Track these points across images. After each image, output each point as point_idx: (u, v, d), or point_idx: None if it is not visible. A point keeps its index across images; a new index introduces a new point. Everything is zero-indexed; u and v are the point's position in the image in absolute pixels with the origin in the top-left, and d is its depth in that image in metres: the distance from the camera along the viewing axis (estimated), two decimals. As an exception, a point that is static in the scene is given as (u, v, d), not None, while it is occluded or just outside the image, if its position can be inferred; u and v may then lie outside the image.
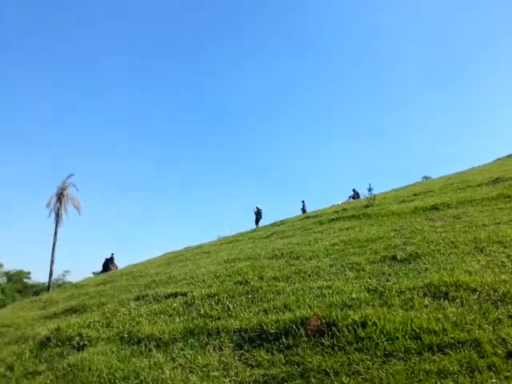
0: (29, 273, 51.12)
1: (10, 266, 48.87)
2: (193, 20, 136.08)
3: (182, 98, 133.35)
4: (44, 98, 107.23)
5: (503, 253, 5.05)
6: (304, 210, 24.57)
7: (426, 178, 32.26)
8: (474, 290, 3.99)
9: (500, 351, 2.96)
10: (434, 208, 9.60)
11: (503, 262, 4.73)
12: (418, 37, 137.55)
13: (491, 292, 3.88)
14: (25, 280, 50.64)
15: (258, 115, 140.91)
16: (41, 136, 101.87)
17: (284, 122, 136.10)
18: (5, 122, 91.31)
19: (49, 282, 43.54)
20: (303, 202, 25.91)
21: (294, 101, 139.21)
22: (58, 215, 44.81)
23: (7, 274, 47.93)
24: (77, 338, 5.58)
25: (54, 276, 46.09)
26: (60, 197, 45.56)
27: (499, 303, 3.64)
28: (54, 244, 44.32)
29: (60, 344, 5.64)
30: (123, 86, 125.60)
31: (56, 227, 44.64)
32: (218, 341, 4.31)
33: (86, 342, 5.39)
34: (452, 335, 3.24)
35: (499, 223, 6.70)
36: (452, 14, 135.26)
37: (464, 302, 3.81)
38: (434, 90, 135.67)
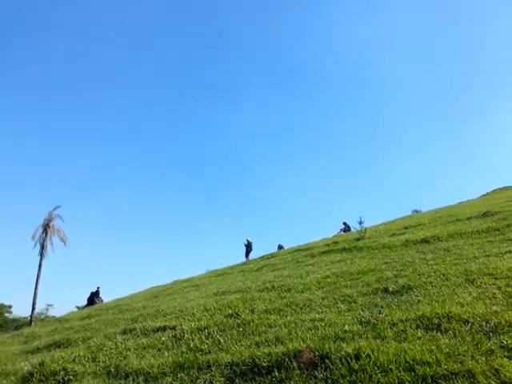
0: (10, 306, 49.56)
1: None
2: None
3: (163, 136, 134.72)
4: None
5: (494, 284, 5.08)
6: (281, 247, 23.87)
7: (415, 211, 32.64)
8: (466, 322, 3.99)
9: (493, 382, 2.95)
10: (425, 241, 9.68)
11: (494, 293, 4.76)
12: (409, 76, 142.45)
13: (483, 323, 3.88)
14: (6, 314, 48.96)
15: (250, 154, 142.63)
16: (26, 169, 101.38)
17: (276, 160, 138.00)
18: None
19: (31, 316, 42.11)
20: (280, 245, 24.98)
21: (283, 142, 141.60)
22: (43, 247, 43.91)
23: (-13, 307, 46.40)
24: (62, 373, 5.39)
25: (37, 310, 44.74)
26: (46, 228, 44.84)
27: (491, 334, 3.64)
28: (37, 276, 43.19)
29: (44, 379, 5.44)
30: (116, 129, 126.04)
31: (41, 259, 43.67)
32: (208, 375, 4.19)
33: (72, 377, 5.21)
34: (445, 366, 3.21)
35: (489, 255, 6.77)
36: (440, 58, 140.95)
37: (456, 333, 3.80)
38: (425, 128, 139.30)
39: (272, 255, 17.63)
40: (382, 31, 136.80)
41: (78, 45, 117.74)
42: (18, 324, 43.03)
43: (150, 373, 4.61)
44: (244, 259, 23.39)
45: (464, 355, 3.33)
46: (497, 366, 3.08)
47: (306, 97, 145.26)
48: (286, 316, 5.64)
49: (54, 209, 46.01)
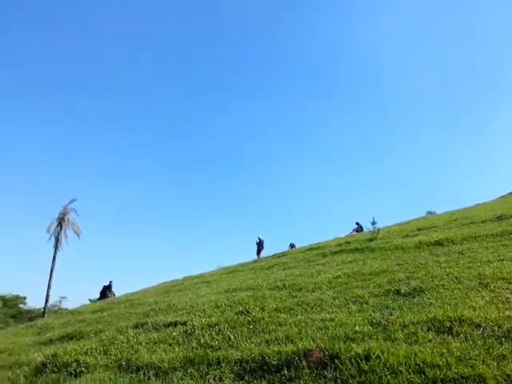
0: (25, 298, 50.50)
1: (6, 290, 48.33)
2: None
3: (180, 135, 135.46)
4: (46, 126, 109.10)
5: (507, 289, 5.02)
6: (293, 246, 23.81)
7: (430, 213, 32.23)
8: (478, 326, 3.96)
9: (505, 387, 2.92)
10: (439, 243, 9.57)
11: (507, 298, 4.70)
12: (424, 76, 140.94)
13: (495, 328, 3.84)
14: (20, 305, 49.88)
15: (261, 154, 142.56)
16: (42, 160, 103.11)
17: (289, 158, 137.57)
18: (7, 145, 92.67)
19: (44, 307, 42.91)
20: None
21: (299, 140, 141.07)
22: (57, 240, 44.70)
23: (2, 298, 47.25)
24: (74, 365, 5.49)
25: (50, 302, 45.58)
26: (61, 221, 45.60)
27: (503, 339, 3.61)
28: (52, 269, 44.01)
29: (56, 370, 5.55)
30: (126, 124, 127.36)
31: (55, 252, 44.48)
32: (218, 371, 4.23)
33: (84, 369, 5.30)
34: (456, 370, 3.19)
35: (503, 260, 6.68)
36: (452, 61, 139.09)
37: (468, 337, 3.77)
38: (441, 129, 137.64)
39: (283, 254, 17.61)
40: (394, 32, 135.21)
41: (78, 45, 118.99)
42: (32, 315, 43.81)
43: (160, 367, 4.67)
44: (255, 257, 23.44)
45: (475, 359, 3.31)
46: (508, 372, 3.05)
47: (320, 94, 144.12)
48: (297, 315, 5.65)
49: (70, 202, 46.82)
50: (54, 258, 44.39)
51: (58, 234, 45.05)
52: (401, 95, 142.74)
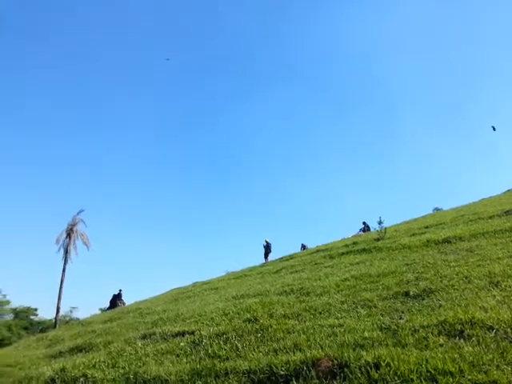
0: (36, 309, 50.67)
1: (17, 302, 48.59)
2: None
3: (187, 137, 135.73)
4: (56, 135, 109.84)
5: (519, 288, 4.90)
6: (304, 247, 23.81)
7: (437, 209, 32.00)
8: (491, 328, 3.85)
9: (521, 394, 2.82)
10: (447, 241, 9.44)
11: (520, 297, 4.58)
12: (426, 74, 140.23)
13: (508, 330, 3.73)
14: (31, 317, 50.10)
15: (266, 152, 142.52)
16: (51, 172, 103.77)
17: (294, 158, 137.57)
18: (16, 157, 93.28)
19: (55, 318, 43.02)
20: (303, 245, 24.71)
21: (305, 139, 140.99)
22: (66, 251, 44.81)
23: (14, 310, 47.50)
24: (82, 379, 5.45)
25: (61, 313, 45.64)
26: (70, 232, 45.73)
27: (517, 342, 3.50)
28: (61, 280, 44.11)
29: (65, 385, 5.51)
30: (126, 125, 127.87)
31: (64, 263, 44.57)
32: (226, 383, 4.17)
33: (91, 384, 5.26)
34: (469, 377, 3.09)
35: (513, 256, 6.55)
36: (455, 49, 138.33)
37: (480, 340, 3.66)
38: (446, 123, 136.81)
39: (291, 256, 17.54)
40: (392, 31, 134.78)
41: (77, 45, 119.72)
42: (43, 326, 43.99)
43: (167, 380, 4.60)
44: (263, 260, 23.36)
45: (489, 365, 3.20)
46: (524, 377, 2.95)
47: (317, 94, 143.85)
48: (305, 321, 5.57)
49: (78, 213, 46.92)
50: (64, 269, 44.52)
51: (67, 246, 45.14)
52: (405, 91, 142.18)
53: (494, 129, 22.65)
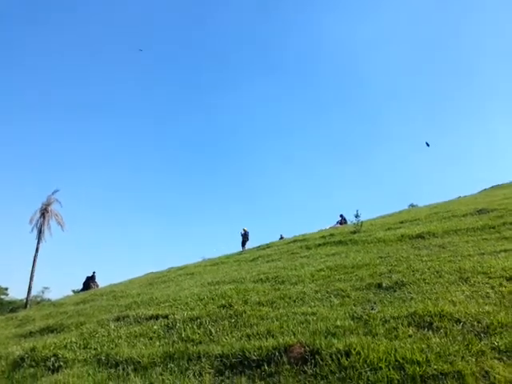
0: (6, 289, 49.65)
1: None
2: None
3: (168, 123, 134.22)
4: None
5: (487, 284, 5.07)
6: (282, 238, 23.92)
7: (412, 206, 32.56)
8: (458, 321, 3.98)
9: (483, 384, 2.93)
10: (420, 236, 9.66)
11: (487, 292, 4.74)
12: (406, 73, 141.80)
13: (475, 323, 3.87)
14: (1, 296, 49.08)
15: (246, 141, 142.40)
16: (25, 150, 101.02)
17: (273, 149, 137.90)
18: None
19: (27, 298, 42.27)
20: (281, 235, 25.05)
21: (285, 129, 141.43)
22: (40, 231, 43.87)
23: (-17, 289, 46.52)
24: (52, 359, 5.38)
25: (33, 293, 44.91)
26: (44, 212, 44.73)
27: (483, 335, 3.63)
28: (34, 260, 43.25)
29: (34, 365, 5.43)
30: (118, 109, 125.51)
31: (38, 243, 43.67)
32: (198, 366, 4.19)
33: (62, 364, 5.20)
34: (435, 366, 3.20)
35: (484, 254, 6.76)
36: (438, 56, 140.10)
37: (448, 332, 3.79)
38: (424, 121, 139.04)
39: (268, 245, 17.62)
40: (377, 30, 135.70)
41: (78, 45, 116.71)
42: (14, 306, 43.08)
43: (140, 362, 4.60)
44: (240, 248, 23.43)
45: (454, 355, 3.32)
46: (487, 368, 3.07)
47: (300, 92, 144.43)
48: (279, 309, 5.63)
49: (53, 193, 45.87)
50: (37, 248, 43.62)
51: (41, 225, 44.21)
52: (387, 90, 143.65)
53: (428, 145, 22.88)
